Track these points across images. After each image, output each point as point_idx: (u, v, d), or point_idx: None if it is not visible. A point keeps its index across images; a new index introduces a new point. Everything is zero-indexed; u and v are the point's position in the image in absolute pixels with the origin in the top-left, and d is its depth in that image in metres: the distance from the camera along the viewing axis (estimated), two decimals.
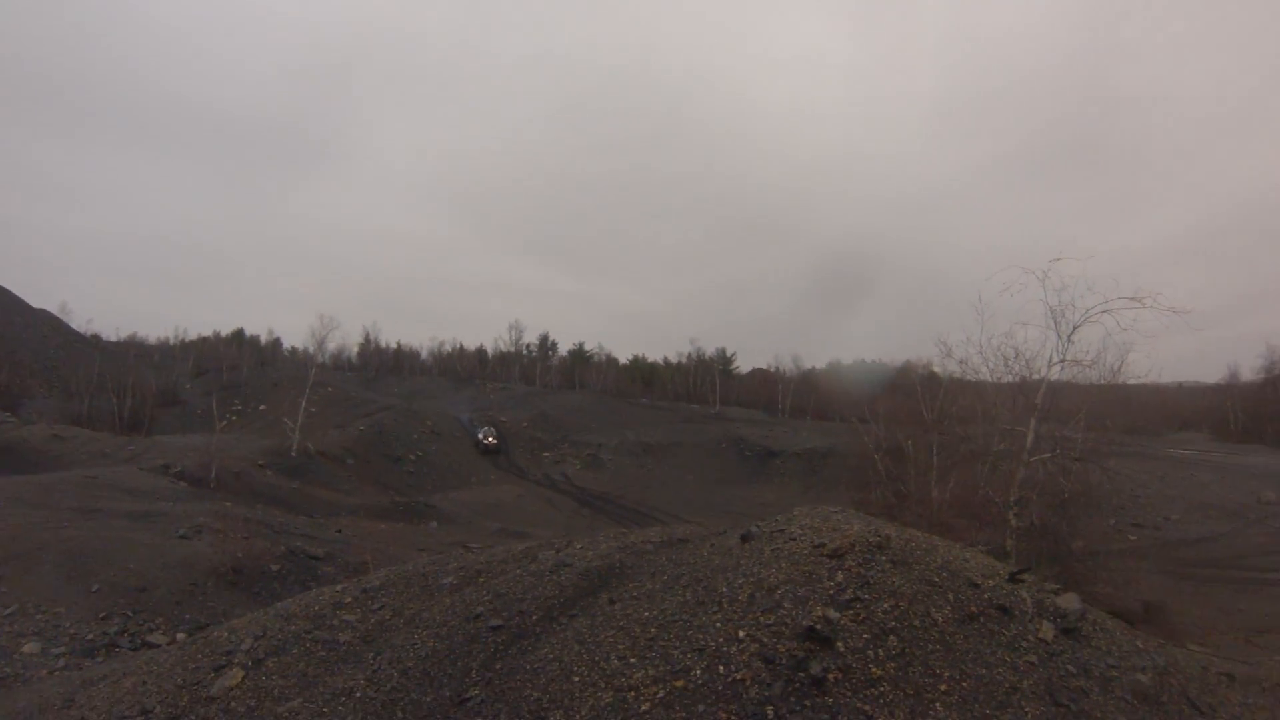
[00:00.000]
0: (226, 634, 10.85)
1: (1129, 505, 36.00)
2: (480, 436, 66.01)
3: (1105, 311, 18.02)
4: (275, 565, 21.88)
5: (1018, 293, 18.60)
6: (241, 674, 9.05)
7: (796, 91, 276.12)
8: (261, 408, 79.18)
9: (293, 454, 50.29)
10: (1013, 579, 8.04)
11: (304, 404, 54.72)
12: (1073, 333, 18.67)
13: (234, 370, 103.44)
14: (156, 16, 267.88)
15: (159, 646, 15.10)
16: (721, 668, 6.32)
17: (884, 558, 7.70)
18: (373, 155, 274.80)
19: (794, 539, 8.61)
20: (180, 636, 15.95)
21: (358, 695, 7.77)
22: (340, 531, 31.68)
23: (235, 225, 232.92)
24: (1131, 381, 21.60)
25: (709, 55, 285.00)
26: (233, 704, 8.34)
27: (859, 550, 7.75)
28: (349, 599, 10.92)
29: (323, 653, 9.32)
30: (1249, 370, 76.40)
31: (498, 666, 7.53)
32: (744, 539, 9.20)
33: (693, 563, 9.01)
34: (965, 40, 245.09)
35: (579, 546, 11.33)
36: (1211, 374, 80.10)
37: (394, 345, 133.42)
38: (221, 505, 30.19)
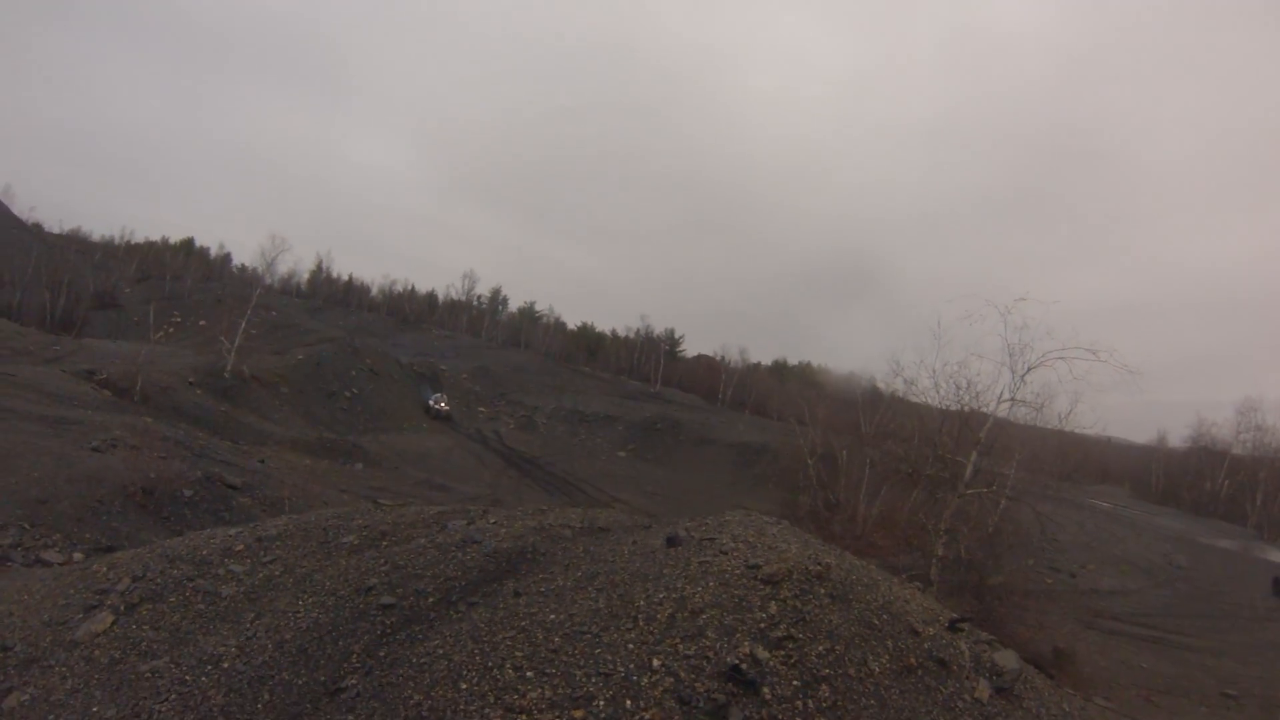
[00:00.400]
0: (106, 569, 10.20)
1: (1048, 548, 36.65)
2: (431, 402, 63.15)
3: (1060, 358, 17.97)
4: (189, 490, 20.79)
5: (977, 324, 18.47)
6: (111, 619, 8.47)
7: (784, 87, 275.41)
8: (201, 323, 76.23)
9: (226, 375, 48.40)
10: (952, 627, 7.57)
11: (244, 325, 52.59)
12: (1027, 373, 18.63)
13: (178, 280, 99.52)
14: None
15: (52, 565, 14.30)
16: (629, 702, 5.68)
17: (823, 590, 7.12)
18: (353, 85, 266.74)
19: (725, 552, 7.97)
20: (77, 556, 15.15)
21: (225, 666, 7.07)
22: (264, 462, 30.61)
23: (201, 130, 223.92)
24: (1076, 430, 21.72)
25: (702, 39, 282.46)
26: (96, 653, 7.76)
27: (796, 579, 7.14)
28: (240, 546, 10.17)
29: (201, 605, 8.69)
30: (1176, 438, 78.98)
31: (381, 654, 6.84)
32: (670, 542, 8.55)
33: (611, 560, 8.36)
34: (957, 70, 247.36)
35: (492, 521, 10.62)
36: (1140, 434, 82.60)
37: (345, 277, 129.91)
38: (141, 420, 28.84)
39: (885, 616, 7.13)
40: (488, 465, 47.81)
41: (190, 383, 43.95)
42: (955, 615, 8.29)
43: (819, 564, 7.46)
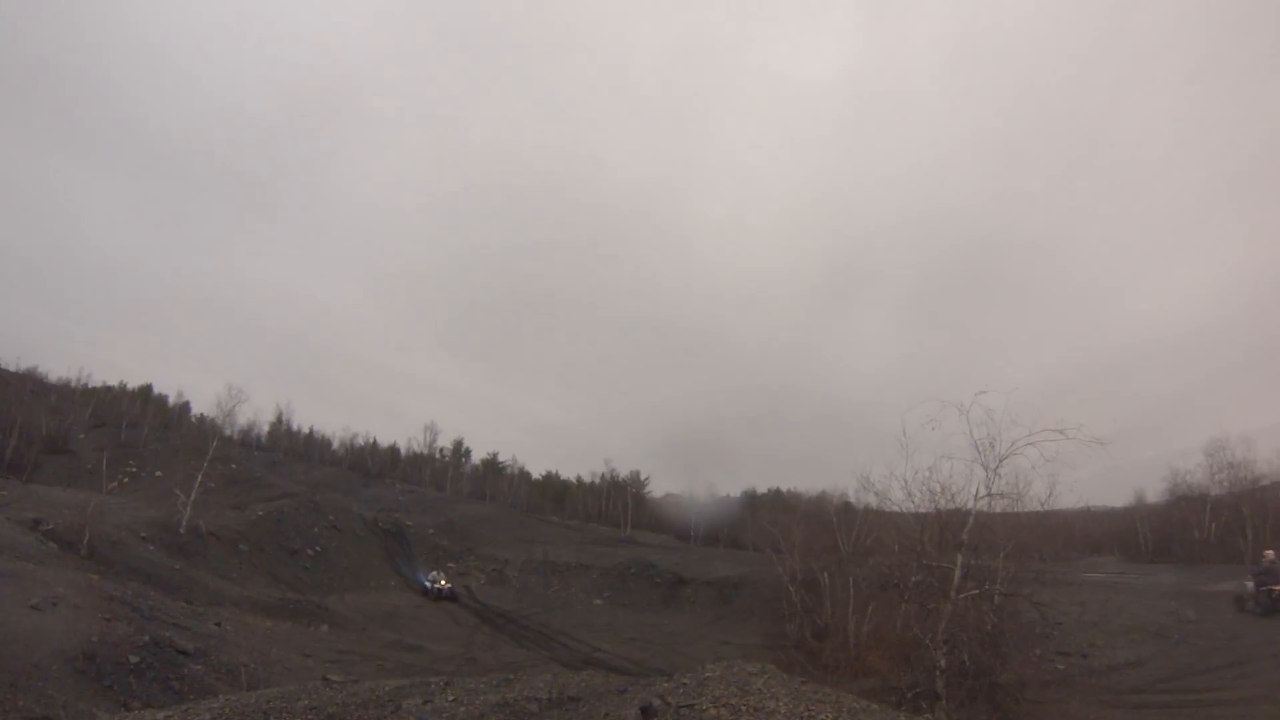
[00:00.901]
0: None
1: (1053, 633, 35.43)
2: (428, 583, 56.90)
3: (1030, 444, 17.84)
4: (135, 656, 19.26)
5: (939, 427, 18.40)
6: None
7: (734, 212, 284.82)
8: (157, 474, 73.84)
9: (181, 530, 46.44)
10: None
11: (200, 477, 50.81)
12: (999, 465, 18.47)
13: (134, 428, 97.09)
14: (109, 30, 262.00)
15: None
16: None
17: None
18: (312, 225, 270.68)
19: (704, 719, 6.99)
20: None
21: None
22: (220, 625, 28.77)
23: (163, 273, 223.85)
24: (1055, 509, 21.44)
25: (653, 171, 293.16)
26: None
27: None
28: None
29: None
30: (1154, 493, 78.79)
31: None
32: (644, 714, 7.60)
33: None
34: (910, 180, 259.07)
35: (450, 699, 9.54)
36: (1117, 498, 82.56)
37: (306, 430, 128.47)
38: (87, 576, 27.14)
39: None
40: (460, 622, 45.88)
41: (143, 537, 42.06)
42: None
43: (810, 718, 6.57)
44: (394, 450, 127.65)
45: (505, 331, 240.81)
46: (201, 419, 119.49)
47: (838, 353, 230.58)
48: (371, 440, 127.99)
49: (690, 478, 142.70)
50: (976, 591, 19.06)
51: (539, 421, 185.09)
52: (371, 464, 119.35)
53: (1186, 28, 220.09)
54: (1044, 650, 32.81)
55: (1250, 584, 37.66)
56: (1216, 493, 68.57)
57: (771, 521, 48.17)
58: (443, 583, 56.30)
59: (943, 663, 18.60)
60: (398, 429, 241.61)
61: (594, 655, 37.19)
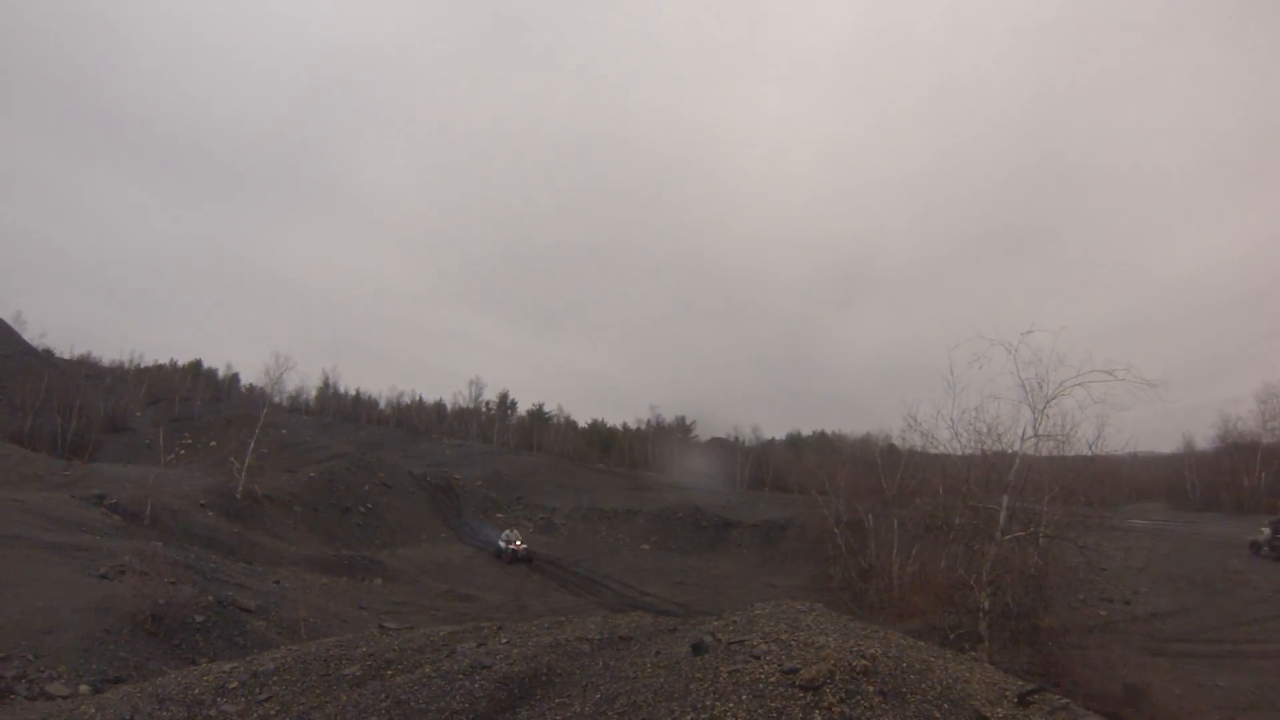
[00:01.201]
0: (94, 710, 9.52)
1: (1096, 579, 35.06)
2: (502, 543, 51.39)
3: (1078, 385, 17.42)
4: (200, 616, 20.14)
5: (987, 365, 18.00)
6: None
7: (774, 158, 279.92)
8: (212, 444, 76.13)
9: (237, 496, 47.87)
10: (1022, 701, 6.73)
11: (253, 444, 52.28)
12: (1046, 406, 18.06)
13: (187, 402, 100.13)
14: (150, 29, 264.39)
15: (55, 699, 13.78)
16: None
17: (871, 689, 6.31)
18: (347, 194, 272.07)
19: (757, 657, 7.16)
20: (83, 689, 14.52)
21: None
22: (279, 583, 29.90)
23: (204, 252, 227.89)
24: (1102, 454, 21.04)
25: (688, 122, 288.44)
26: None
27: (840, 679, 6.34)
28: (234, 683, 9.51)
29: None
30: (1203, 440, 76.78)
31: None
32: (695, 650, 7.78)
33: (633, 678, 7.57)
34: (940, 129, 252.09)
35: (504, 641, 9.84)
36: (1165, 444, 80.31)
37: (352, 392, 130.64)
38: (151, 544, 28.28)
39: (946, 706, 6.31)
40: (510, 572, 46.74)
41: (201, 505, 43.44)
42: (1024, 686, 7.44)
43: (864, 657, 6.69)
44: (440, 407, 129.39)
45: (545, 285, 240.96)
46: (251, 389, 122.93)
47: (885, 295, 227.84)
48: (417, 398, 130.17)
49: (735, 422, 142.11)
50: (1022, 534, 18.93)
51: (584, 371, 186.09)
52: (419, 421, 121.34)
53: None
54: (1087, 596, 32.62)
55: (1267, 530, 38.63)
56: (1269, 441, 66.83)
57: (816, 464, 48.01)
58: (518, 544, 50.64)
59: (986, 604, 18.60)
60: (443, 385, 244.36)
61: (642, 599, 37.75)
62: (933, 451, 22.79)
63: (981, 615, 18.67)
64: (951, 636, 18.71)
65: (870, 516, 27.76)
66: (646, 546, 59.88)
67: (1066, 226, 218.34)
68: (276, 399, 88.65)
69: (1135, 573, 37.52)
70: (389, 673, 9.05)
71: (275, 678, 9.48)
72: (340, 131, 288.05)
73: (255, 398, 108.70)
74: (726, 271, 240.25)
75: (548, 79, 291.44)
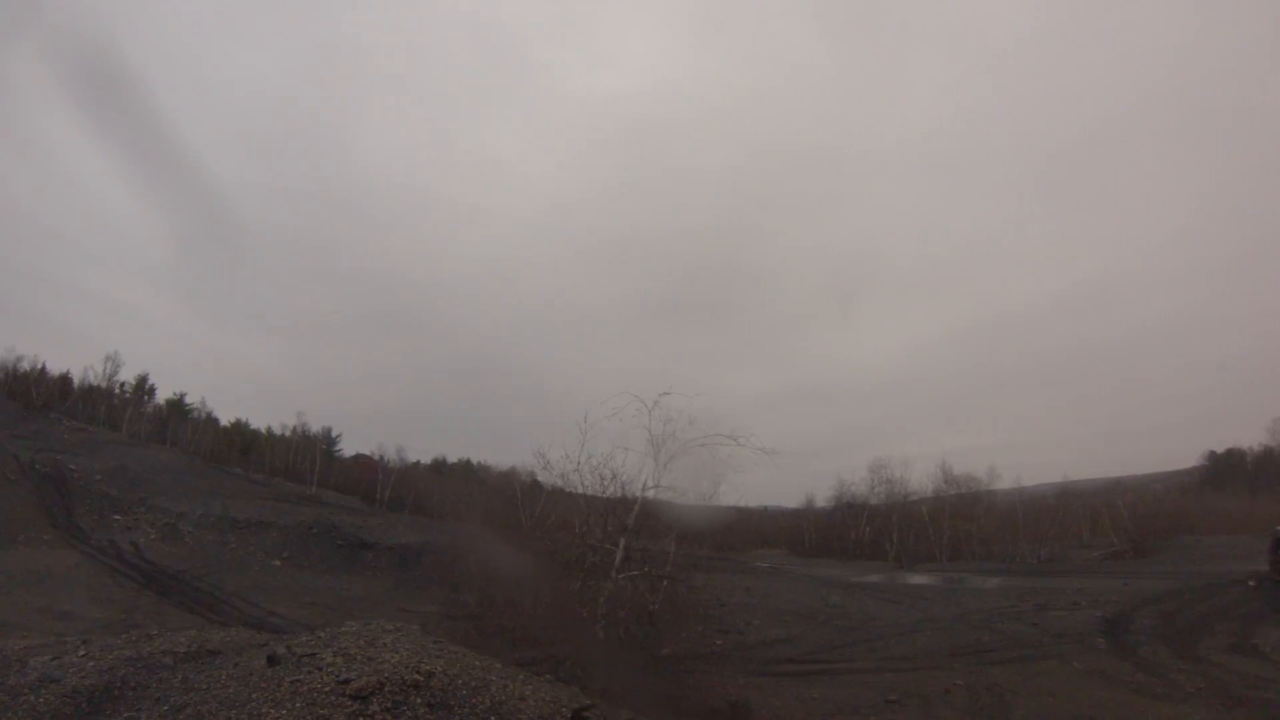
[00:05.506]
0: None
1: (716, 613, 39.19)
2: None
3: (703, 445, 19.92)
4: None
5: (627, 418, 19.97)
6: None
7: (478, 198, 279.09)
8: None
9: None
10: (576, 717, 7.88)
11: None
12: (670, 461, 20.34)
13: None
14: None
15: None
16: None
17: (420, 701, 6.99)
18: None
19: (320, 669, 7.58)
20: None
21: None
22: None
23: None
24: (736, 505, 23.87)
25: (405, 143, 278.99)
26: None
27: (389, 691, 6.97)
28: None
29: None
30: (822, 499, 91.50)
31: None
32: (270, 662, 8.06)
33: (205, 689, 7.63)
34: (633, 197, 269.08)
35: (81, 654, 9.24)
36: (792, 500, 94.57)
37: None
38: None
39: (494, 719, 7.28)
40: (122, 585, 41.26)
41: None
42: (581, 703, 8.60)
43: (418, 673, 7.42)
44: (66, 380, 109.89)
45: (211, 263, 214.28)
46: None
47: (578, 341, 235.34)
48: (39, 365, 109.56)
49: (382, 440, 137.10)
50: (637, 573, 21.05)
51: (241, 365, 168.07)
52: (36, 395, 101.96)
53: None
54: (706, 628, 36.39)
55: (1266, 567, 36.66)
56: (874, 502, 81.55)
57: (457, 491, 48.51)
58: None
59: (601, 635, 20.38)
60: (73, 355, 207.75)
61: (268, 620, 35.37)
62: (570, 490, 24.56)
63: (597, 645, 20.35)
64: (568, 665, 20.21)
65: (506, 548, 28.81)
66: (278, 563, 56.11)
67: (746, 309, 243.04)
68: None
69: (751, 607, 42.77)
70: None
71: None
72: None
73: None
74: (419, 291, 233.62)
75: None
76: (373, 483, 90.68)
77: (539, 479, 38.92)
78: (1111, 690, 20.79)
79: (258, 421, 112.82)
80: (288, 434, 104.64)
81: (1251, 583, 35.01)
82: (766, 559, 72.06)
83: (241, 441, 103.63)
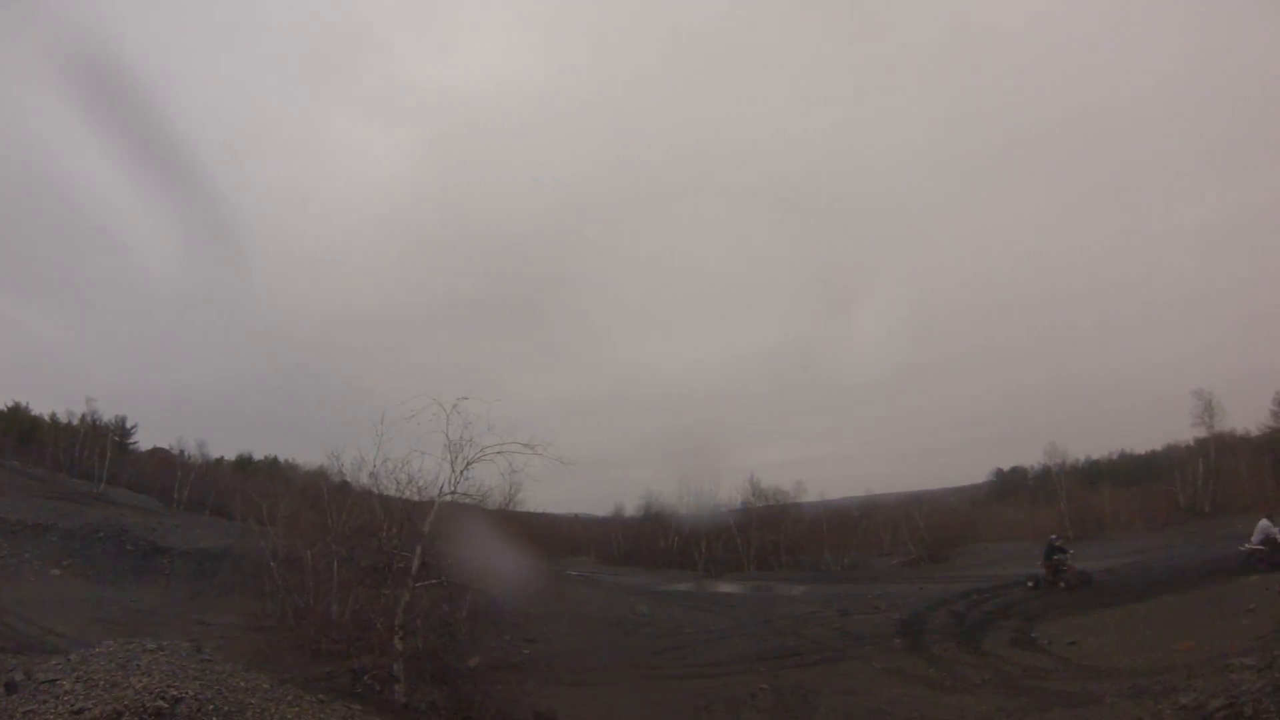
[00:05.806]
0: None
1: (523, 622, 38.94)
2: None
3: (499, 453, 19.88)
4: None
5: (425, 421, 19.57)
6: None
7: (297, 180, 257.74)
8: None
9: None
10: None
11: None
12: (466, 467, 20.15)
13: None
14: None
15: None
16: None
17: None
18: None
19: (58, 697, 6.99)
20: None
21: None
22: None
23: None
24: (528, 511, 23.85)
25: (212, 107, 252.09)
26: None
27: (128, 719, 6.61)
28: None
29: None
30: (631, 508, 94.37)
31: None
32: (8, 690, 7.34)
33: None
34: (464, 189, 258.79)
35: None
36: (602, 509, 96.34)
37: None
38: None
39: None
40: None
41: None
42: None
43: (163, 699, 6.98)
44: None
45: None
46: None
47: (401, 340, 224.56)
48: None
49: (184, 432, 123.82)
50: (435, 582, 20.65)
51: (32, 341, 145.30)
52: None
53: None
54: (512, 637, 36.29)
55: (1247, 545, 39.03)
56: (683, 512, 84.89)
57: (260, 492, 45.12)
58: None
59: (400, 646, 19.83)
60: None
61: (44, 640, 31.06)
62: (380, 493, 23.73)
63: (395, 656, 19.79)
64: (366, 678, 19.51)
65: (309, 552, 27.17)
66: (58, 571, 49.63)
67: (565, 316, 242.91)
68: None
69: (559, 616, 42.83)
70: None
71: None
72: None
73: None
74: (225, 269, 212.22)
75: None
76: (170, 480, 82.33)
77: (347, 480, 36.99)
78: (907, 686, 21.91)
79: (39, 407, 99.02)
80: (75, 422, 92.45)
81: (1030, 584, 37.92)
82: (576, 566, 72.92)
83: (21, 429, 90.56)
